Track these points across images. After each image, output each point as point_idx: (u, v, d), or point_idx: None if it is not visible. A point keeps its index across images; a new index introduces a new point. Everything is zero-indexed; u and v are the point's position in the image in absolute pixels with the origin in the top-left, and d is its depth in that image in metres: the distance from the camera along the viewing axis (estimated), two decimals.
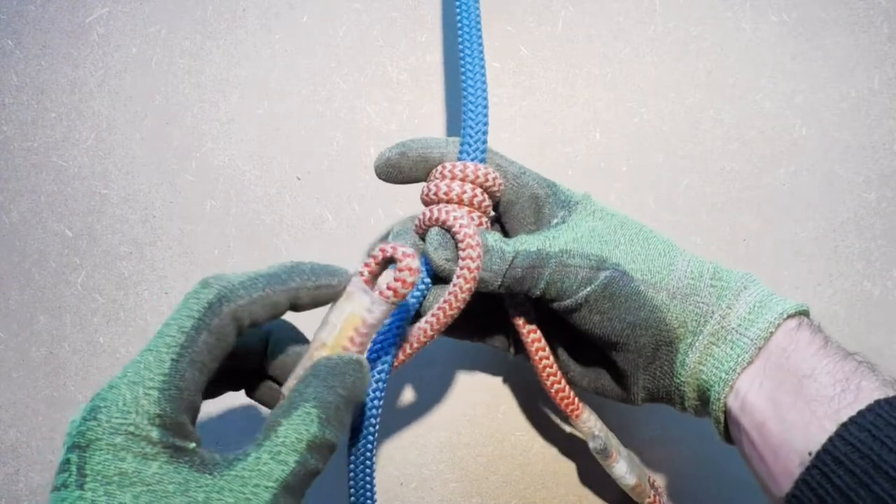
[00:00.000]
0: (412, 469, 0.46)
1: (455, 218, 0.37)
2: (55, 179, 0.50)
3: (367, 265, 0.34)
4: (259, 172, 0.50)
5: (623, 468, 0.42)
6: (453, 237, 0.37)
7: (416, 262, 0.33)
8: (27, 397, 0.47)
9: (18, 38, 0.51)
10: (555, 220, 0.40)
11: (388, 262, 0.34)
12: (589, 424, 0.42)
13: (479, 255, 0.36)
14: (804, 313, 0.37)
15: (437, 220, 0.38)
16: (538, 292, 0.37)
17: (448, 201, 0.38)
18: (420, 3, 0.51)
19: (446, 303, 0.36)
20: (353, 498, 0.36)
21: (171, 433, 0.27)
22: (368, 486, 0.36)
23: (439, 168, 0.39)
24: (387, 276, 0.34)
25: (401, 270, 0.33)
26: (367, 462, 0.36)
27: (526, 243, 0.37)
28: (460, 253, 0.36)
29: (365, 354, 0.33)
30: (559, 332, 0.41)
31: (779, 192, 0.50)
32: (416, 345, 0.37)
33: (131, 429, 0.27)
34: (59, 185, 0.50)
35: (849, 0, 0.52)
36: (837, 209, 0.50)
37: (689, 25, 0.51)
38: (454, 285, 0.36)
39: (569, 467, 0.46)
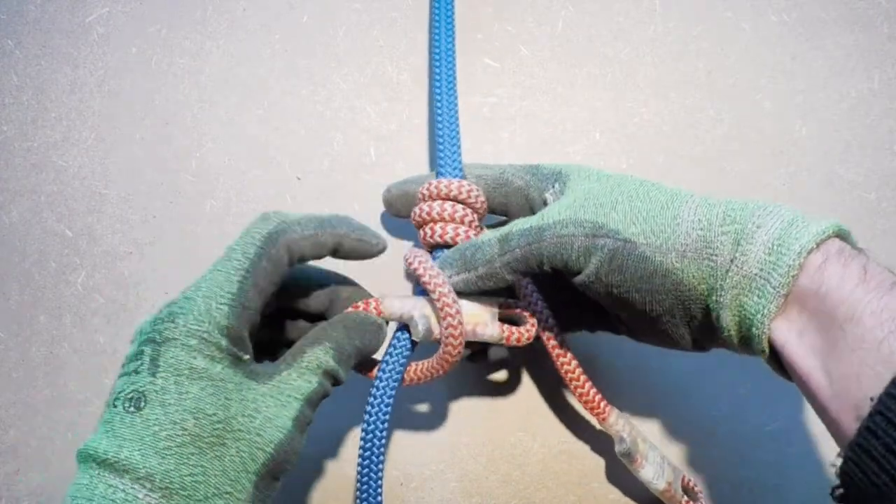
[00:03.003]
0: (412, 469, 0.46)
1: (425, 272, 0.39)
2: (55, 179, 0.50)
3: (502, 306, 0.41)
4: (259, 172, 0.50)
5: (650, 473, 0.41)
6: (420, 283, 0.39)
7: (534, 331, 0.40)
8: (27, 397, 0.47)
9: (18, 38, 0.51)
10: (550, 196, 0.39)
11: (515, 317, 0.41)
12: (616, 428, 0.42)
13: (447, 295, 0.38)
14: (839, 234, 0.33)
15: (413, 268, 0.40)
16: (546, 268, 0.36)
17: (430, 222, 0.41)
18: (420, 2, 0.51)
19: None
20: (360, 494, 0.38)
21: (234, 344, 0.32)
22: (376, 485, 0.38)
23: (419, 192, 0.42)
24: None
25: (529, 330, 0.40)
26: (376, 466, 0.38)
27: (519, 223, 0.37)
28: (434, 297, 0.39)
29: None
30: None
31: (779, 192, 0.50)
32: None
33: (205, 335, 0.31)
34: (59, 185, 0.50)
35: (849, 0, 0.52)
36: (837, 209, 0.49)
37: (689, 25, 0.51)
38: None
39: (569, 467, 0.46)
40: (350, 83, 0.51)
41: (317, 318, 0.41)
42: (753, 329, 0.32)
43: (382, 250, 0.39)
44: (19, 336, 0.48)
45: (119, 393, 0.31)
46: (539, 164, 0.41)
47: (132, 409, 0.30)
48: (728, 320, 0.33)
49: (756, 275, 0.32)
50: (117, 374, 0.33)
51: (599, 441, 0.46)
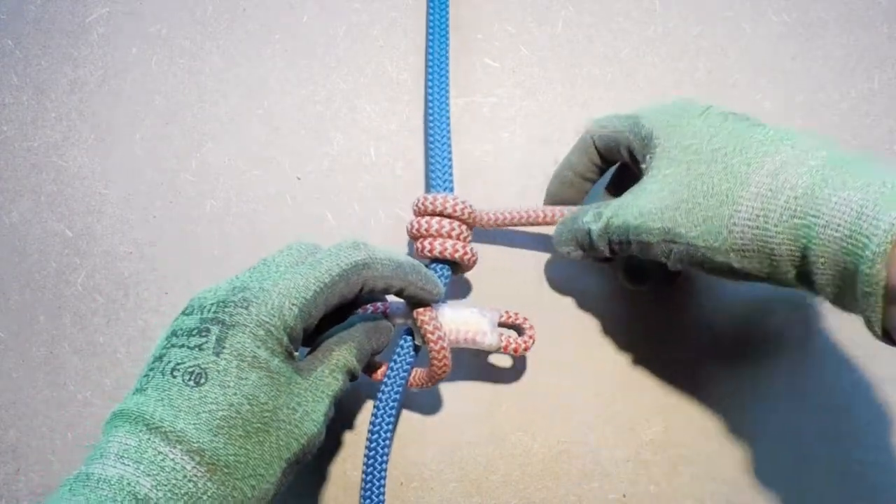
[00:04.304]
0: (412, 469, 0.46)
1: (426, 320, 0.41)
2: (55, 179, 0.50)
3: (506, 314, 0.44)
4: (259, 172, 0.50)
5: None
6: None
7: (532, 342, 0.43)
8: (27, 397, 0.47)
9: (18, 38, 0.51)
10: (644, 168, 0.40)
11: (516, 325, 0.44)
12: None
13: (429, 323, 0.41)
14: None
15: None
16: (643, 257, 0.39)
17: (420, 237, 0.43)
18: (420, 2, 0.51)
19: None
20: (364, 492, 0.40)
21: (292, 343, 0.35)
22: (379, 484, 0.41)
23: (412, 206, 0.44)
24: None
25: (526, 341, 0.43)
26: (381, 464, 0.41)
27: (615, 216, 0.39)
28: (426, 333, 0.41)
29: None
30: None
31: None
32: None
33: (272, 329, 0.34)
34: (59, 185, 0.50)
35: (849, 0, 0.52)
36: None
37: (689, 25, 0.51)
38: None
39: (569, 467, 0.46)
40: (350, 83, 0.51)
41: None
42: (862, 319, 0.31)
43: (438, 299, 0.41)
44: (19, 336, 0.48)
45: (179, 364, 0.32)
46: (638, 119, 0.41)
47: (192, 382, 0.32)
48: (832, 302, 0.33)
49: (843, 271, 0.31)
50: (165, 338, 0.34)
51: (600, 441, 0.46)
